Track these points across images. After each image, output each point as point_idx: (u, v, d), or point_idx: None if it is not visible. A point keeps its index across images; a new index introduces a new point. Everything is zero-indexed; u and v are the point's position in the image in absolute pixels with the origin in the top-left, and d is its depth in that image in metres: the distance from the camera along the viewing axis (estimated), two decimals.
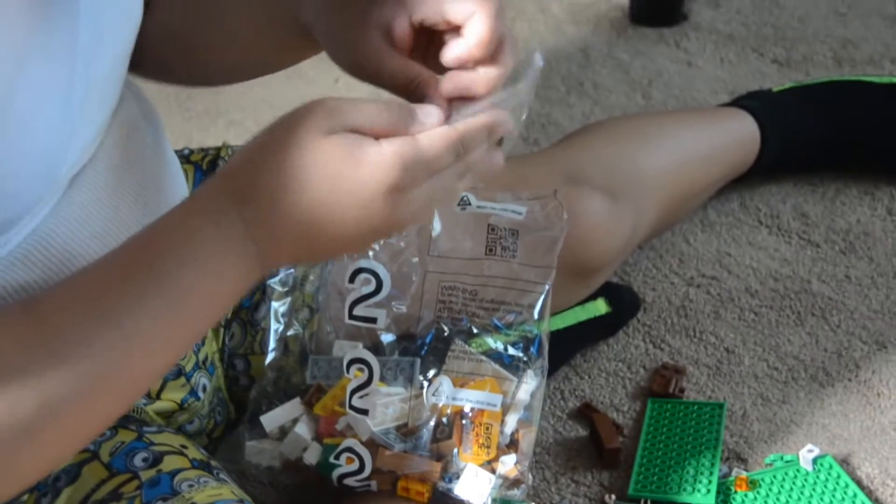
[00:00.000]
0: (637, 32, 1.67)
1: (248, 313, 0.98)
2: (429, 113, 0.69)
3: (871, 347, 1.15)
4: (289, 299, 0.94)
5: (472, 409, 0.83)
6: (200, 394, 0.93)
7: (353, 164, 0.65)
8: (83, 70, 0.72)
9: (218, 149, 1.04)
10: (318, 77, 1.61)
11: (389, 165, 0.65)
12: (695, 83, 1.56)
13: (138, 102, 0.89)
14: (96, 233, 0.77)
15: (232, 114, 1.55)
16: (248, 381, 1.00)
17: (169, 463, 0.84)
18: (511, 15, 1.73)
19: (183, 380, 0.92)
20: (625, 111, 1.52)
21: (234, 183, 0.68)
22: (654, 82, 1.57)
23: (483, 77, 0.72)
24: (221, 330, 0.98)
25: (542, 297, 0.86)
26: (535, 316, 0.87)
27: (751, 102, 1.33)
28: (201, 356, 0.95)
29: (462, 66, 0.72)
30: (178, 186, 0.91)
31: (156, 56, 0.88)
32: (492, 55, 0.72)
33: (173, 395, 0.91)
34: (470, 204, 0.85)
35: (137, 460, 0.83)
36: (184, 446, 0.87)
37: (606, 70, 1.60)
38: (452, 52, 0.72)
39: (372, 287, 0.81)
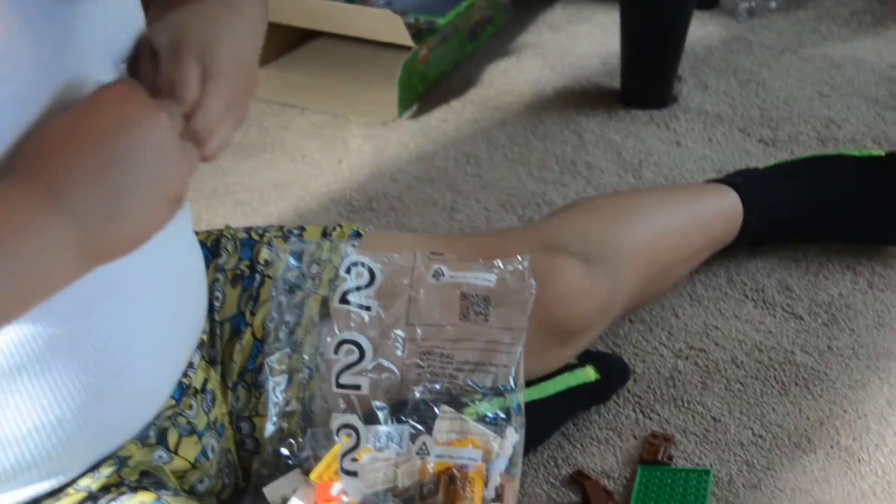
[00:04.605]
0: (628, 115, 1.74)
1: (252, 376, 1.04)
2: None
3: (851, 416, 1.20)
4: (286, 376, 0.99)
5: (455, 466, 0.88)
6: (210, 454, 0.99)
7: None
8: None
9: (220, 230, 1.11)
10: (322, 159, 1.68)
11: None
12: (684, 162, 1.62)
13: None
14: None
15: (239, 194, 1.61)
16: (254, 443, 1.05)
17: None
18: (508, 99, 1.81)
19: (195, 437, 0.98)
20: (616, 190, 1.58)
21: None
22: (644, 162, 1.63)
23: None
24: (229, 392, 1.04)
25: (517, 357, 0.92)
26: (512, 374, 0.93)
27: (734, 178, 1.39)
28: (212, 417, 1.01)
29: None
30: (200, 263, 1.02)
31: None
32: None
33: (187, 453, 0.97)
34: (444, 275, 0.92)
35: None
36: None
37: (599, 151, 1.66)
38: None
39: (355, 356, 0.88)
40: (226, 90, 0.81)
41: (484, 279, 0.91)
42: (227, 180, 1.65)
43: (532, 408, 1.11)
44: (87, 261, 0.76)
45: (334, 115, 1.78)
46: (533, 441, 1.16)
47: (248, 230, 1.12)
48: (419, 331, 0.93)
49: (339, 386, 0.89)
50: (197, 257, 1.02)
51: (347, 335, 0.89)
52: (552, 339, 1.11)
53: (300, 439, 0.96)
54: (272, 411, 0.98)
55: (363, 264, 0.92)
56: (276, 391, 0.97)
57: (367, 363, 0.90)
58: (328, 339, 0.90)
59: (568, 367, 1.18)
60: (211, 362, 1.04)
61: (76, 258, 0.75)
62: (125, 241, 0.77)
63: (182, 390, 0.97)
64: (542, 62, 1.91)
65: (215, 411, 1.02)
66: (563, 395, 1.16)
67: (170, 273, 0.93)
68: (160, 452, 0.95)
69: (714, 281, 1.39)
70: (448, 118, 1.76)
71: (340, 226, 1.14)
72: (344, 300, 0.91)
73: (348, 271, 0.91)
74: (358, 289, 0.91)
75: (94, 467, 0.90)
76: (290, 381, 0.98)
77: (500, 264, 0.92)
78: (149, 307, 0.90)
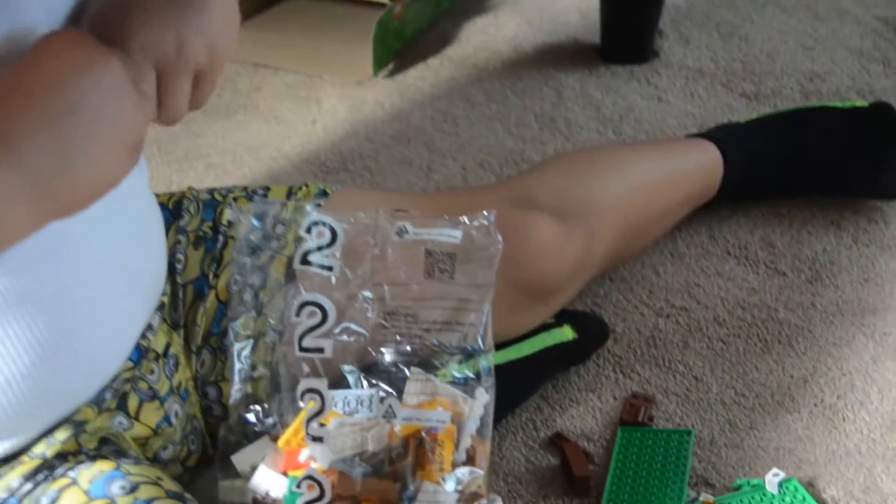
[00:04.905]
0: (609, 70, 1.70)
1: (216, 339, 1.01)
2: None
3: (835, 373, 1.17)
4: (251, 341, 0.96)
5: (423, 429, 0.85)
6: (173, 419, 0.96)
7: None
8: None
9: (183, 192, 1.08)
10: (296, 119, 1.65)
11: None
12: (665, 118, 1.59)
13: None
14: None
15: (212, 157, 1.58)
16: (221, 409, 1.02)
17: (145, 492, 0.86)
18: (486, 56, 1.77)
19: (157, 403, 0.95)
20: (592, 146, 1.54)
21: None
22: (625, 118, 1.60)
23: None
24: (193, 357, 1.01)
25: (484, 316, 0.89)
26: (480, 332, 0.90)
27: (715, 133, 1.35)
28: (175, 382, 0.98)
29: None
30: (158, 223, 0.99)
31: None
32: None
33: (148, 419, 0.94)
34: (408, 232, 0.88)
35: (115, 488, 0.86)
36: (159, 478, 0.89)
37: (579, 107, 1.63)
38: None
39: (318, 319, 0.85)
40: (144, 65, 0.74)
41: (449, 235, 0.88)
42: (199, 143, 1.61)
43: (509, 369, 1.09)
44: (43, 213, 0.72)
45: (308, 74, 1.74)
46: (511, 403, 1.13)
47: (211, 191, 1.09)
48: (387, 291, 0.90)
49: (302, 349, 0.86)
50: (154, 215, 0.98)
51: (309, 297, 0.86)
52: (526, 297, 1.08)
53: (266, 405, 0.93)
54: (236, 377, 0.94)
55: (324, 223, 0.88)
56: (241, 356, 0.94)
57: (331, 325, 0.86)
58: (294, 302, 0.87)
59: (545, 327, 1.15)
60: (173, 326, 1.01)
61: (31, 211, 0.71)
62: (84, 193, 0.73)
63: (140, 353, 0.94)
64: (520, 18, 1.87)
65: (178, 376, 0.99)
66: (540, 356, 1.13)
67: (124, 230, 0.90)
68: (120, 418, 0.92)
69: (696, 238, 1.36)
70: (424, 76, 1.73)
71: (307, 185, 1.10)
72: (305, 261, 0.88)
73: (309, 231, 0.88)
74: (319, 248, 0.88)
75: (49, 432, 0.87)
76: (255, 345, 0.95)
77: (466, 220, 0.89)
78: (100, 265, 0.87)
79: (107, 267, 0.87)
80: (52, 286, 0.83)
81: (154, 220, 0.98)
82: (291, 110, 1.67)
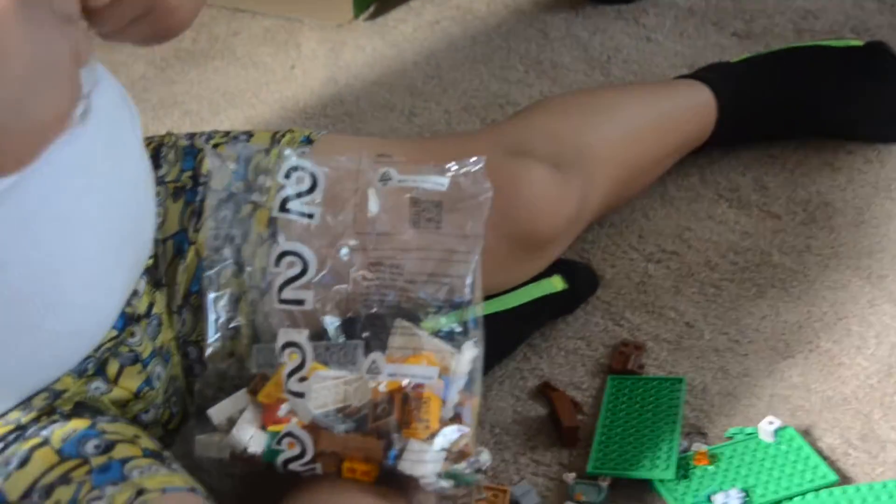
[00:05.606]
0: (596, 10, 1.66)
1: (197, 298, 0.97)
2: None
3: (831, 318, 1.14)
4: (227, 290, 0.92)
5: (409, 385, 0.82)
6: (156, 382, 0.93)
7: None
8: None
9: (162, 136, 1.03)
10: (274, 65, 1.60)
11: None
12: (654, 58, 1.55)
13: (118, 91, 0.91)
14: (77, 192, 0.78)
15: (188, 104, 1.53)
16: (203, 368, 0.98)
17: (120, 451, 0.83)
18: None
19: (139, 366, 0.91)
20: (583, 89, 1.50)
21: None
22: (612, 59, 1.55)
23: None
24: (175, 316, 0.97)
25: (472, 267, 0.85)
26: (467, 283, 0.86)
27: (707, 73, 1.31)
28: (157, 343, 0.94)
29: None
30: (149, 187, 0.94)
31: None
32: None
33: (129, 383, 0.91)
34: (392, 179, 0.84)
35: (89, 447, 0.83)
36: (136, 436, 0.86)
37: (565, 48, 1.58)
38: None
39: (298, 269, 0.81)
40: None
41: (435, 182, 0.83)
42: (175, 90, 1.56)
43: (496, 321, 1.05)
44: None
45: (287, 18, 1.70)
46: (497, 355, 1.10)
47: (190, 137, 1.04)
48: (369, 240, 0.86)
49: (282, 301, 0.82)
50: (145, 175, 0.93)
51: (289, 246, 0.82)
52: (519, 251, 1.04)
53: (245, 358, 0.90)
54: (212, 328, 0.91)
55: (304, 168, 0.84)
56: (217, 306, 0.90)
57: (312, 276, 0.82)
58: (274, 251, 0.83)
59: (533, 278, 1.11)
60: (155, 285, 0.96)
61: None
62: (28, 139, 0.67)
63: (125, 320, 0.90)
64: None
65: (161, 337, 0.95)
66: (527, 308, 1.10)
67: (112, 195, 0.85)
68: (97, 383, 0.89)
69: (686, 181, 1.32)
70: (406, 19, 1.68)
71: (291, 131, 1.06)
72: (284, 208, 0.84)
73: (288, 176, 0.84)
74: (299, 195, 0.84)
75: (26, 400, 0.84)
76: (235, 298, 0.91)
77: (454, 166, 0.85)
78: (86, 233, 0.82)
79: (93, 234, 0.83)
80: (32, 257, 0.79)
81: (144, 180, 0.93)
82: (270, 55, 1.62)
